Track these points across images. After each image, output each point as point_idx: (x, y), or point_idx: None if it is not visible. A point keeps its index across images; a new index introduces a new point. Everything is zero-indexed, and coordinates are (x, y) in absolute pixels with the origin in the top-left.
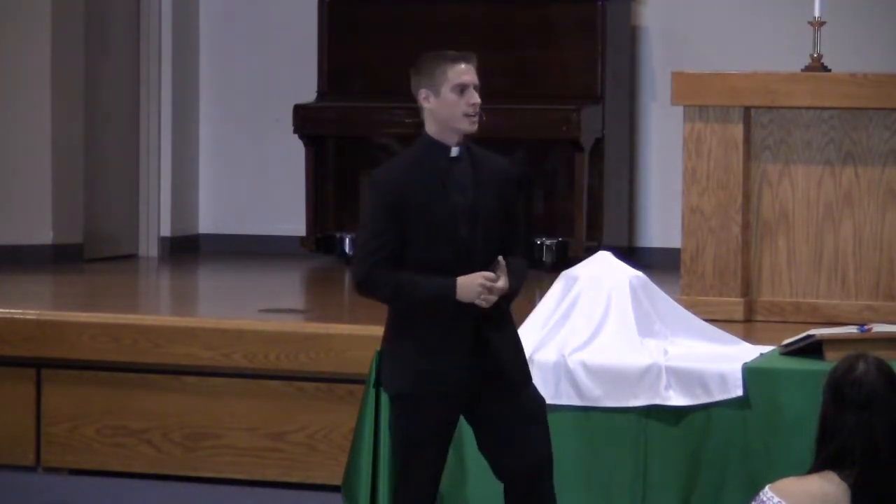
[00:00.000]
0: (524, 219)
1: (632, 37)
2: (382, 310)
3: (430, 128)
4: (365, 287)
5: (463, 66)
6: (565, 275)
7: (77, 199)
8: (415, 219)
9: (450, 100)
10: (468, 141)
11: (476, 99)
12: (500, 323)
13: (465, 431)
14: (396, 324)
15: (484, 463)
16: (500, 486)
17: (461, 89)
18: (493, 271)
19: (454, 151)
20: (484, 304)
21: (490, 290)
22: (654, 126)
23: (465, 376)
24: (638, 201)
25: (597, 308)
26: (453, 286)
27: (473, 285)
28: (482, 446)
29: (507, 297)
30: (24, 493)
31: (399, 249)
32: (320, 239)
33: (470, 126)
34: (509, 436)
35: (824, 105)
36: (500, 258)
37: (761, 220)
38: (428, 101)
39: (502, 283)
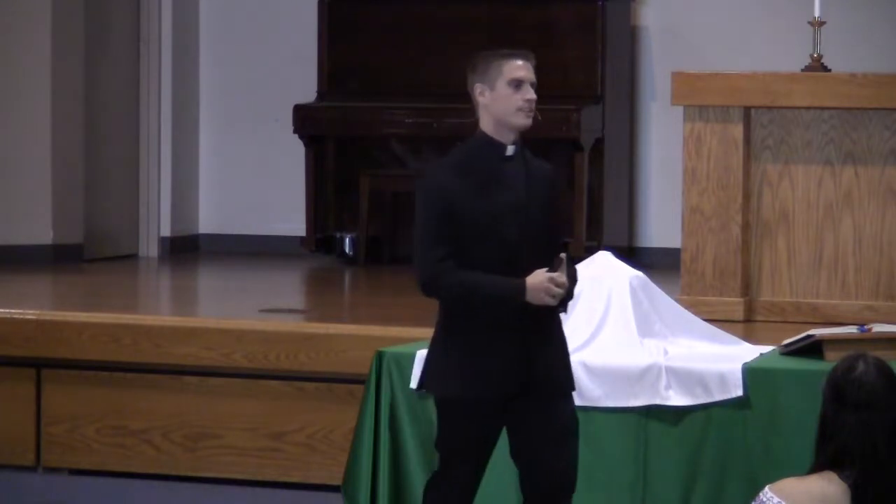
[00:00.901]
0: None
1: (632, 37)
2: (382, 310)
3: (486, 125)
4: (430, 288)
5: (519, 62)
6: None
7: (77, 199)
8: (466, 217)
9: (505, 94)
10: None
11: (531, 95)
12: (550, 330)
13: None
14: (446, 327)
15: None
16: (500, 486)
17: (517, 84)
18: (555, 268)
19: (509, 150)
20: (552, 302)
21: (555, 290)
22: (654, 126)
23: (514, 381)
24: (638, 201)
25: (597, 308)
26: (522, 287)
27: (541, 285)
28: (514, 455)
29: (562, 301)
30: (24, 493)
31: (456, 247)
32: (320, 239)
33: (524, 120)
34: (541, 452)
35: (824, 105)
36: (562, 254)
37: (761, 220)
38: (483, 96)
39: (565, 281)
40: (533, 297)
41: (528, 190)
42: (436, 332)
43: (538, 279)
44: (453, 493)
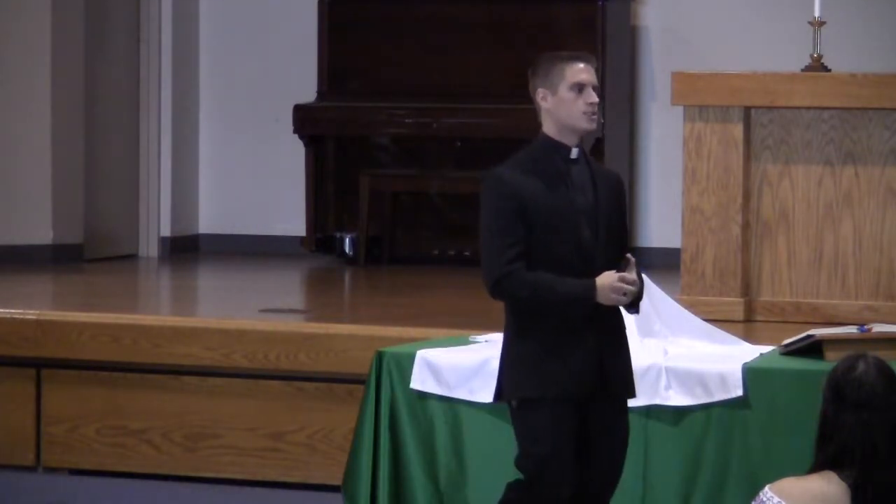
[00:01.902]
0: None
1: (632, 37)
2: (382, 310)
3: (549, 128)
4: (501, 288)
5: (581, 65)
6: None
7: (77, 199)
8: (537, 219)
9: (567, 98)
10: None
11: (594, 98)
12: (620, 333)
13: (464, 431)
14: (517, 332)
15: (484, 463)
16: (499, 486)
17: (579, 88)
18: (624, 269)
19: (574, 153)
20: (624, 301)
21: (626, 288)
22: (654, 126)
23: (589, 382)
24: (638, 201)
25: None
26: (593, 287)
27: (612, 285)
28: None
29: (633, 303)
30: (24, 493)
31: (527, 248)
32: (320, 239)
33: (589, 124)
34: (597, 458)
35: (824, 105)
36: (630, 256)
37: (761, 220)
38: (545, 101)
39: (636, 279)
40: (604, 296)
41: (595, 191)
42: (505, 341)
43: (609, 279)
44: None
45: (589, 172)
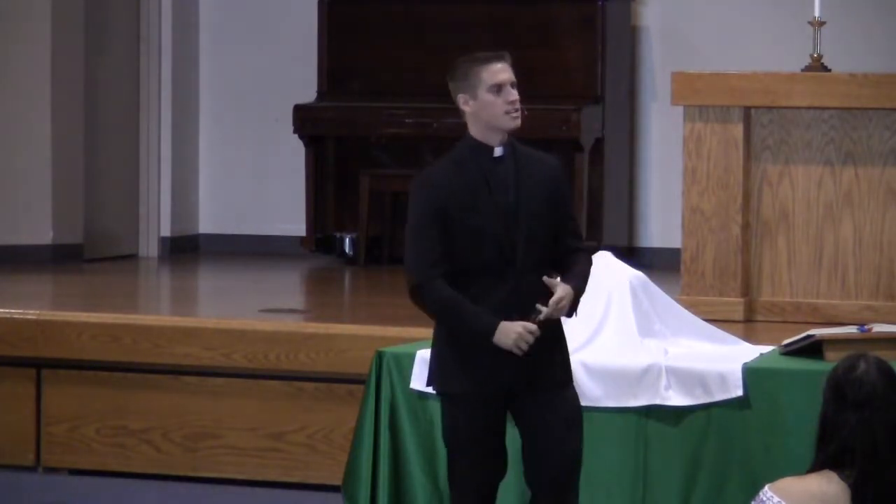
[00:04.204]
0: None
1: (632, 37)
2: (382, 310)
3: (474, 130)
4: (416, 296)
5: (498, 65)
6: None
7: (77, 199)
8: (459, 220)
9: (488, 100)
10: (511, 139)
11: (514, 96)
12: (550, 330)
13: None
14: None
15: None
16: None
17: (498, 89)
18: (533, 318)
19: (497, 151)
20: (517, 352)
21: (525, 340)
22: (654, 126)
23: (512, 376)
24: (638, 201)
25: (597, 308)
26: (494, 328)
27: (512, 333)
28: (521, 448)
29: (572, 306)
30: (24, 493)
31: (447, 251)
32: (320, 239)
33: (512, 122)
34: (544, 443)
35: (824, 105)
36: (546, 277)
37: (761, 220)
38: (468, 105)
39: (536, 330)
40: (501, 340)
41: (518, 190)
42: (436, 330)
43: (513, 328)
44: (470, 494)
45: (514, 170)
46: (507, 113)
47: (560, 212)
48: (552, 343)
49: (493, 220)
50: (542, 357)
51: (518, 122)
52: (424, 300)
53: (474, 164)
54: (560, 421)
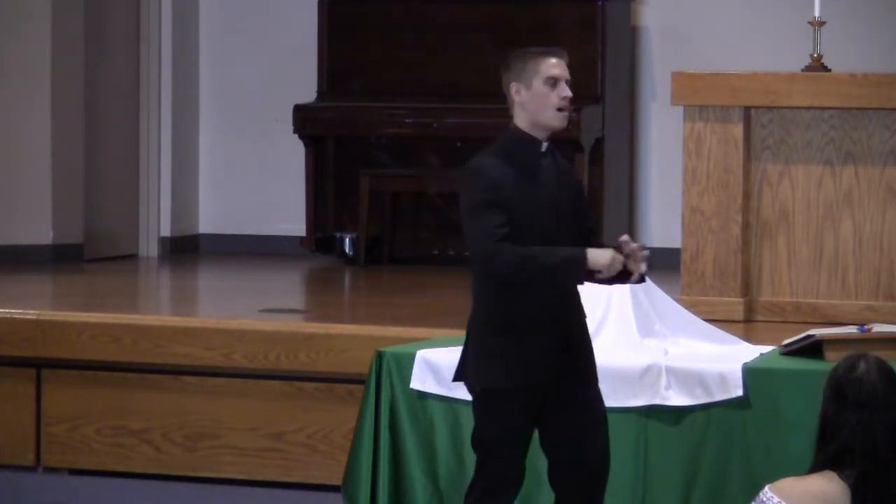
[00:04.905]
0: None
1: (632, 37)
2: (382, 310)
3: (520, 122)
4: (488, 264)
5: (554, 59)
6: None
7: (77, 199)
8: (510, 208)
9: (542, 91)
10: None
11: (568, 92)
12: (583, 329)
13: (464, 431)
14: (486, 319)
15: None
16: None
17: (553, 82)
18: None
19: (544, 146)
20: (610, 273)
21: (621, 261)
22: (654, 126)
23: (553, 369)
24: (638, 201)
25: (597, 308)
26: (583, 251)
27: (607, 253)
28: (547, 445)
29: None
30: (24, 493)
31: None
32: (320, 239)
33: (560, 122)
34: (576, 441)
35: (824, 105)
36: (625, 236)
37: (761, 220)
38: (519, 95)
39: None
40: (597, 259)
41: (559, 186)
42: (470, 327)
43: (603, 251)
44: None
45: (555, 168)
46: (559, 109)
47: (585, 209)
48: (585, 338)
49: (541, 213)
50: (578, 350)
51: (564, 123)
52: (500, 262)
53: (522, 156)
54: (592, 420)
